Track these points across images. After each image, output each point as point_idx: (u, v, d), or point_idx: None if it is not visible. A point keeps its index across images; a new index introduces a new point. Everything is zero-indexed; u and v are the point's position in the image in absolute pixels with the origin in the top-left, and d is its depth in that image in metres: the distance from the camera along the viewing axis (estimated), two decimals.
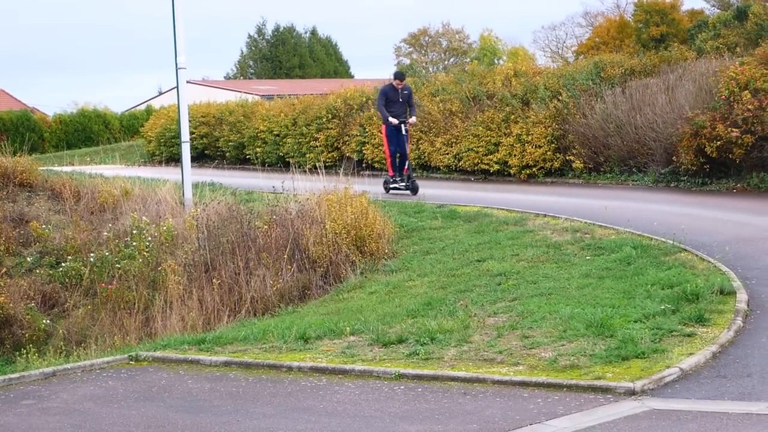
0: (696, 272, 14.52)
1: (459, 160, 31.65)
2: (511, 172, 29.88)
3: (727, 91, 24.51)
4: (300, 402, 10.64)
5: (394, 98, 24.65)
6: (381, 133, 27.26)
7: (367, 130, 35.08)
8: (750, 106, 23.64)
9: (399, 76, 26.77)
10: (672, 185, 25.08)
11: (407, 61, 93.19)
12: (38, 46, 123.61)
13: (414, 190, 24.25)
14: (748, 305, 12.86)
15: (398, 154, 25.74)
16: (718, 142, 23.96)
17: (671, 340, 11.49)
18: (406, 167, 25.03)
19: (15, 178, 21.65)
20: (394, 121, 24.16)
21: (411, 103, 25.76)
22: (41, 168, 25.22)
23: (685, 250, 16.14)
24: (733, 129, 23.74)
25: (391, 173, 25.05)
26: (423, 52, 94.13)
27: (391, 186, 25.39)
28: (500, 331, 12.51)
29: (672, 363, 10.66)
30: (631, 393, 9.95)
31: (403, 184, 24.70)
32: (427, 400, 10.33)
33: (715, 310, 12.61)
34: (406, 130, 24.80)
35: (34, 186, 21.77)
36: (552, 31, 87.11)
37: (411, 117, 25.30)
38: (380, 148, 34.39)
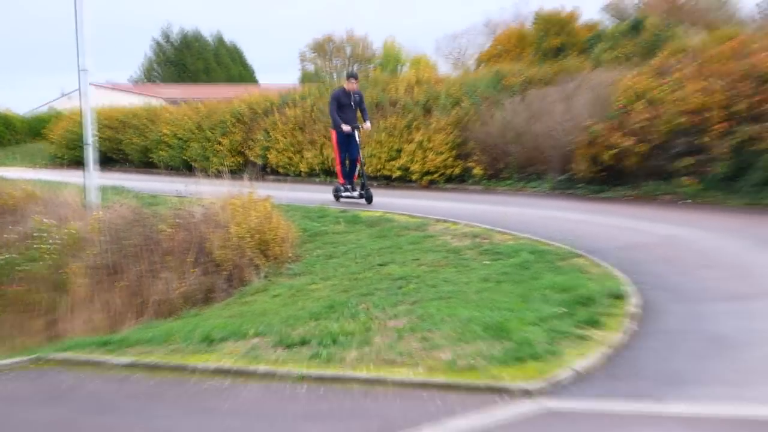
0: (590, 277, 14.73)
1: (361, 165, 31.83)
2: (413, 178, 30.09)
3: (622, 101, 24.90)
4: (204, 403, 10.67)
5: (346, 102, 23.70)
6: (331, 140, 26.42)
7: (271, 135, 35.12)
8: (644, 116, 24.02)
9: (353, 75, 25.95)
10: (569, 192, 25.37)
11: (311, 67, 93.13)
12: None
13: (368, 198, 23.51)
14: (639, 309, 13.09)
15: (348, 161, 24.82)
16: (614, 151, 24.32)
17: (566, 342, 11.64)
18: (356, 174, 24.12)
19: None
20: (347, 128, 23.34)
21: (363, 107, 24.78)
22: None
23: (581, 255, 16.37)
24: (628, 138, 24.12)
25: (341, 181, 24.16)
26: (327, 58, 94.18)
27: (343, 194, 24.56)
28: (401, 333, 12.54)
29: (566, 364, 10.81)
30: (527, 393, 10.05)
31: (356, 192, 23.92)
32: (330, 400, 10.38)
33: (609, 313, 12.79)
34: (359, 136, 23.94)
35: None
36: (454, 40, 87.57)
37: (365, 122, 24.51)
38: (284, 153, 34.61)
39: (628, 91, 25.12)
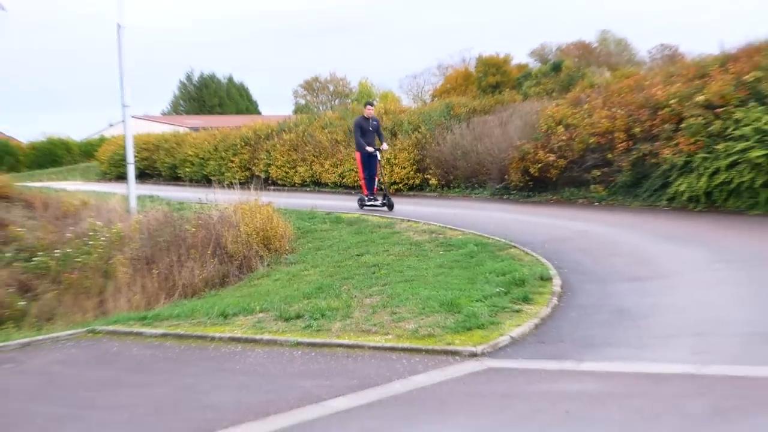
0: (522, 263, 14.76)
1: (342, 178, 31.75)
2: (383, 187, 30.09)
3: (545, 126, 24.98)
4: (221, 364, 10.65)
5: (366, 128, 22.59)
6: (356, 160, 24.82)
7: (271, 154, 35.01)
8: (563, 138, 24.10)
9: (370, 102, 25.29)
10: (504, 197, 25.37)
11: (303, 102, 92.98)
12: (9, 86, 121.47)
13: (390, 206, 22.32)
14: (561, 288, 13.13)
15: (371, 176, 23.53)
16: (539, 165, 24.38)
17: (504, 314, 11.66)
18: (376, 187, 22.97)
19: None
20: (370, 149, 22.29)
21: (380, 132, 23.55)
22: (17, 183, 24.84)
23: (515, 246, 16.39)
24: (550, 154, 24.19)
25: (365, 193, 23.01)
26: (315, 94, 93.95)
27: (367, 204, 23.34)
28: (374, 308, 12.56)
29: (504, 332, 10.83)
30: (474, 355, 10.10)
31: (379, 201, 22.77)
32: (319, 362, 10.38)
33: (537, 291, 12.83)
34: (379, 157, 22.75)
35: (11, 197, 21.46)
36: (414, 79, 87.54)
37: (382, 144, 23.26)
38: (282, 168, 34.49)
39: (549, 118, 25.21)
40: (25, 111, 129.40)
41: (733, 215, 19.05)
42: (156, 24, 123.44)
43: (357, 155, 23.49)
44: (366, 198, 23.38)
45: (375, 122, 23.14)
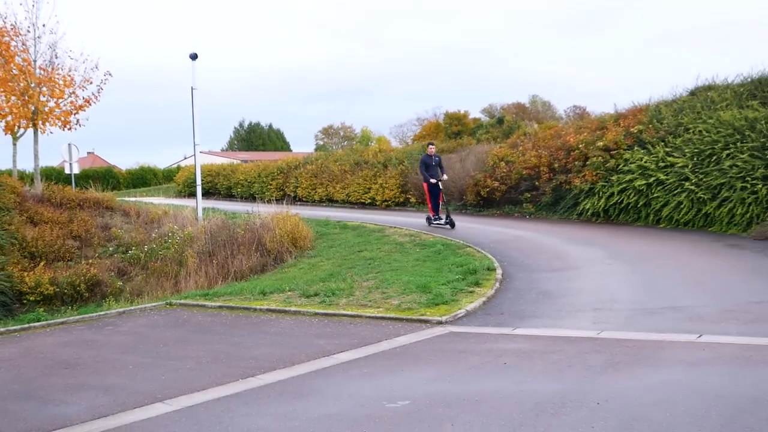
0: (475, 258, 14.73)
1: (348, 197, 31.64)
2: (377, 203, 29.99)
3: (492, 162, 24.95)
4: (260, 328, 10.61)
5: (430, 163, 20.20)
6: (423, 189, 22.04)
7: (298, 180, 34.94)
8: (504, 170, 24.07)
9: (431, 143, 22.30)
10: (463, 211, 25.30)
11: (321, 143, 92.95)
12: (115, 129, 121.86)
13: (452, 224, 19.77)
14: (502, 276, 13.12)
15: (437, 201, 20.86)
16: (487, 189, 24.35)
17: (461, 294, 11.66)
18: (441, 209, 20.53)
19: (103, 204, 21.33)
20: (433, 180, 20.02)
21: (442, 166, 20.90)
22: (118, 198, 24.83)
23: (470, 246, 16.36)
24: (495, 182, 24.17)
25: (432, 213, 20.63)
26: (330, 137, 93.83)
27: (433, 222, 20.77)
28: (370, 289, 12.56)
29: (462, 307, 10.84)
30: (440, 323, 10.11)
31: (443, 221, 20.22)
32: (330, 326, 10.36)
33: (485, 278, 12.81)
34: (441, 186, 20.24)
35: (114, 208, 21.44)
36: (400, 128, 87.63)
37: (443, 175, 20.62)
38: (306, 189, 34.31)
39: (495, 156, 25.20)
40: (125, 146, 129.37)
41: (623, 226, 19.11)
42: (219, 85, 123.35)
43: (424, 185, 21.06)
44: (432, 217, 20.95)
45: (437, 158, 20.74)
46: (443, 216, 20.54)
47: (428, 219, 21.30)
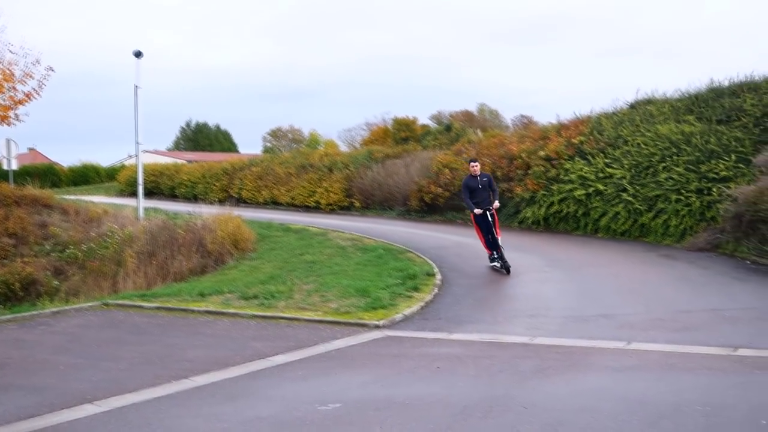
0: (415, 263, 14.84)
1: (293, 199, 31.57)
2: (322, 207, 29.99)
3: (436, 168, 25.18)
4: (197, 330, 10.55)
5: (475, 186, 15.22)
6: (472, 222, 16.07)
7: (243, 181, 34.75)
8: (448, 177, 24.30)
9: (472, 159, 16.36)
10: (407, 217, 25.49)
11: (269, 145, 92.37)
12: (56, 126, 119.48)
13: (507, 269, 14.43)
14: (441, 281, 13.26)
15: (490, 236, 15.26)
16: (431, 195, 24.59)
17: (400, 299, 11.75)
18: (500, 246, 15.06)
19: (41, 202, 20.92)
20: (478, 211, 15.05)
21: (494, 188, 15.64)
22: (57, 196, 24.35)
23: (411, 251, 16.48)
24: (439, 188, 24.40)
25: (488, 252, 15.41)
26: (278, 140, 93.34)
27: (491, 263, 15.46)
28: (309, 293, 12.57)
29: (400, 311, 10.93)
30: (377, 327, 10.19)
31: (498, 264, 14.97)
32: (268, 329, 10.36)
33: (424, 283, 12.93)
34: (492, 215, 14.94)
35: (52, 206, 21.02)
36: (348, 132, 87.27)
37: (494, 202, 15.37)
38: (250, 191, 34.12)
39: (439, 163, 25.43)
40: (67, 143, 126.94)
41: (562, 235, 19.44)
42: (166, 85, 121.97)
43: (472, 216, 15.63)
44: (490, 257, 15.46)
45: (486, 178, 15.31)
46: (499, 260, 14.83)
47: (489, 259, 15.53)
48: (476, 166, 14.75)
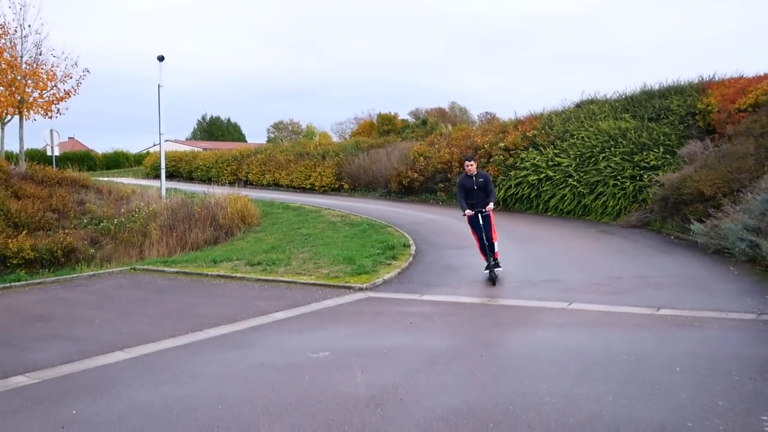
0: (394, 236, 14.89)
1: (292, 182, 31.42)
2: (316, 188, 29.92)
3: (413, 156, 25.15)
4: (210, 290, 10.61)
5: (469, 186, 11.92)
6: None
7: (250, 167, 34.54)
8: (423, 164, 24.31)
9: (467, 158, 12.11)
10: (388, 198, 25.50)
11: (273, 136, 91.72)
12: (90, 117, 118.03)
13: (492, 280, 10.89)
14: (415, 252, 13.33)
15: (485, 240, 11.71)
16: (408, 179, 24.57)
17: (380, 266, 11.82)
18: (496, 251, 11.65)
19: (79, 183, 20.79)
20: (468, 212, 11.77)
21: (489, 189, 12.00)
22: (93, 178, 24.20)
23: (390, 226, 16.53)
24: (415, 173, 24.41)
25: (483, 258, 11.75)
26: (280, 132, 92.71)
27: (483, 270, 11.62)
28: (305, 260, 12.62)
29: (380, 276, 11.00)
30: (361, 289, 10.26)
31: (487, 272, 11.23)
32: (269, 290, 10.43)
33: (401, 253, 13.00)
34: (487, 218, 11.61)
35: (89, 186, 20.89)
36: (340, 125, 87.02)
37: (490, 203, 11.73)
38: (256, 174, 33.89)
39: (415, 152, 25.38)
40: (103, 133, 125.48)
41: (517, 213, 19.54)
42: (186, 84, 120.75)
43: (466, 218, 12.03)
44: (486, 267, 11.43)
45: (482, 179, 11.91)
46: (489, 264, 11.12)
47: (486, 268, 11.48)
48: (472, 165, 11.37)
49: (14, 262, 14.49)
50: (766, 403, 4.73)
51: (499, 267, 10.94)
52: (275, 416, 4.77)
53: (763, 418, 4.45)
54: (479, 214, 10.96)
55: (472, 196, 11.14)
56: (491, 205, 11.00)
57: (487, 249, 10.73)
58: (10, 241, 14.93)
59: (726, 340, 6.57)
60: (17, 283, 11.61)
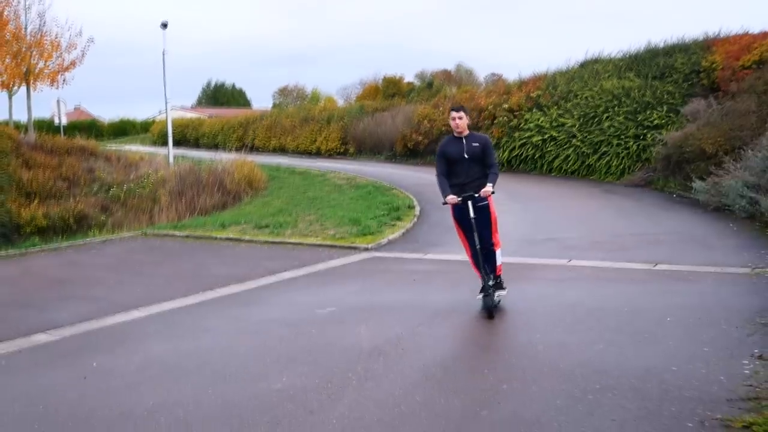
0: (399, 198, 15.13)
1: (298, 147, 31.57)
2: (322, 152, 30.08)
3: (417, 119, 25.24)
4: (219, 252, 10.89)
5: (457, 155, 6.40)
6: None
7: (256, 132, 34.58)
8: (427, 126, 24.43)
9: (455, 108, 6.59)
10: (393, 161, 25.66)
11: (278, 101, 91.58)
12: (96, 86, 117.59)
13: (488, 310, 6.17)
14: (419, 213, 13.57)
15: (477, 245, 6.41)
16: (413, 142, 24.73)
17: (385, 227, 12.07)
18: (498, 265, 6.60)
19: (88, 151, 21.02)
20: (452, 199, 6.37)
21: (490, 161, 6.45)
22: (101, 146, 24.43)
23: (396, 188, 16.75)
24: (420, 136, 24.54)
25: (477, 273, 6.55)
26: (285, 97, 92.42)
27: (478, 295, 6.47)
28: (311, 222, 12.88)
29: (384, 237, 11.26)
30: (366, 249, 10.52)
31: (480, 294, 6.35)
32: (277, 251, 10.70)
33: (405, 214, 13.25)
34: (481, 208, 6.40)
35: (97, 154, 21.11)
36: (345, 90, 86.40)
37: (487, 185, 6.33)
38: (261, 140, 34.00)
39: (420, 115, 25.41)
40: (109, 101, 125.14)
41: (522, 174, 19.72)
42: (190, 51, 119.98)
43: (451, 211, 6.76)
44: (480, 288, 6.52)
45: (476, 143, 6.47)
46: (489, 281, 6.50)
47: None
48: (461, 118, 6.56)
49: (28, 230, 14.82)
50: (749, 348, 4.98)
51: (503, 289, 6.65)
52: (283, 366, 5.06)
53: (743, 362, 4.71)
54: (469, 203, 6.39)
55: (461, 170, 6.46)
56: (490, 187, 6.37)
57: (482, 260, 6.44)
58: (23, 209, 15.25)
59: (719, 293, 6.80)
60: (33, 249, 11.94)
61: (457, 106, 6.60)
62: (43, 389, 4.84)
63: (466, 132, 6.54)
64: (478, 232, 6.39)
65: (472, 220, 6.40)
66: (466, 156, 6.40)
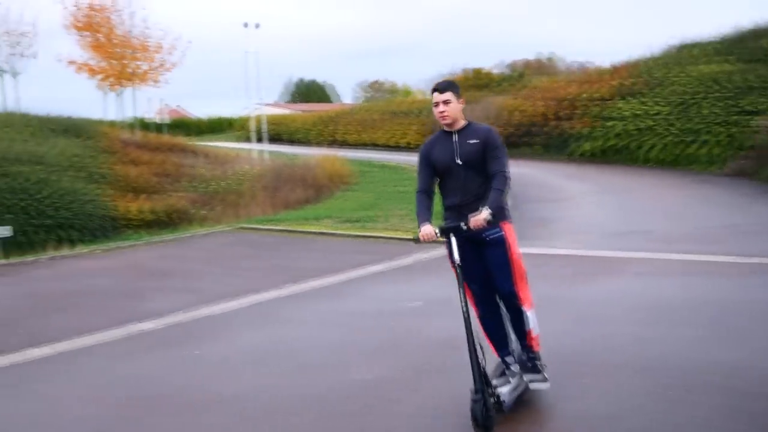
0: None
1: (388, 141, 31.81)
2: (412, 146, 30.29)
3: (508, 111, 25.05)
4: (311, 245, 11.25)
5: (445, 159, 3.89)
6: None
7: (346, 127, 35.18)
8: (517, 118, 24.20)
9: (437, 89, 3.93)
10: None
11: (368, 95, 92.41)
12: (194, 85, 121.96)
13: (499, 402, 3.71)
14: (510, 206, 13.54)
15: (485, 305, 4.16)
16: (504, 134, 24.55)
17: None
18: (528, 330, 4.01)
19: (188, 149, 22.18)
20: (425, 235, 3.81)
21: (497, 168, 3.77)
22: (199, 144, 25.57)
23: None
24: (511, 127, 24.22)
25: (491, 346, 4.17)
26: (375, 92, 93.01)
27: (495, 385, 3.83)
28: (401, 217, 13.06)
29: None
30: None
31: (476, 396, 3.48)
32: (367, 245, 10.95)
33: None
34: (487, 243, 3.93)
35: (196, 152, 22.18)
36: (429, 82, 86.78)
37: (482, 210, 3.62)
38: (355, 135, 34.70)
39: (511, 106, 25.21)
40: (206, 99, 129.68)
41: (616, 165, 19.30)
42: (280, 49, 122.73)
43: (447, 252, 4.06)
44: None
45: (475, 140, 3.86)
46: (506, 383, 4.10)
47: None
48: (445, 102, 3.98)
49: (135, 223, 15.82)
50: None
51: (539, 372, 4.16)
52: (367, 357, 5.33)
53: None
54: (453, 239, 3.97)
55: (455, 183, 4.11)
56: (486, 212, 3.80)
57: (493, 329, 4.33)
58: (130, 204, 16.28)
59: None
60: (139, 242, 12.74)
61: (441, 84, 4.10)
62: (141, 374, 5.31)
63: (460, 123, 4.08)
64: (480, 276, 4.14)
65: (472, 258, 4.04)
66: (459, 161, 3.99)
